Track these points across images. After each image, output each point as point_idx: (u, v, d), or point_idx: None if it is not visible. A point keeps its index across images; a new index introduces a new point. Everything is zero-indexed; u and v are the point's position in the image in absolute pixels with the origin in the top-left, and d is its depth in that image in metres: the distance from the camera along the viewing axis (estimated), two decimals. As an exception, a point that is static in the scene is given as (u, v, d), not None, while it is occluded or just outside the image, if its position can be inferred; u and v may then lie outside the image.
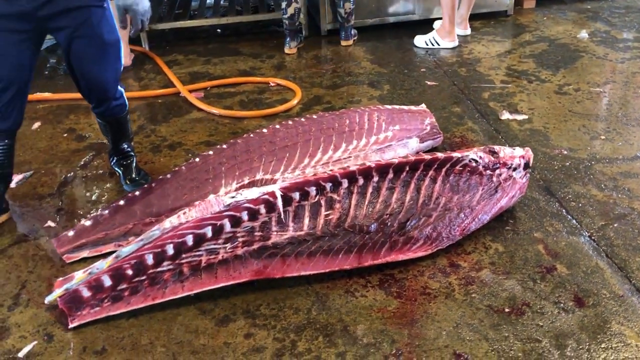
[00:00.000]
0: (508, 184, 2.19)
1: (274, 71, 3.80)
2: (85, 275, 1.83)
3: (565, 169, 2.58)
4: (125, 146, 2.60)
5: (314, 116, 2.68)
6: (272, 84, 3.59)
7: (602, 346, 1.72)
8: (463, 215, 2.11)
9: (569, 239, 2.16)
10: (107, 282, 1.83)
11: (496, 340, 1.75)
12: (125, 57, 3.89)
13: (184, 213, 1.95)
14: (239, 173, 2.37)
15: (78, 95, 3.44)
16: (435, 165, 2.10)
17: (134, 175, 2.56)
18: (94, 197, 2.52)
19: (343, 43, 4.17)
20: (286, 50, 4.07)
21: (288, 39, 4.05)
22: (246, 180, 2.35)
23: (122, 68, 2.39)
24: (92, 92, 2.34)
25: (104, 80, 2.30)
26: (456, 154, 2.15)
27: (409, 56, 3.94)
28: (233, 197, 1.93)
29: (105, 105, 2.39)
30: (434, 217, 2.07)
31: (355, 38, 4.22)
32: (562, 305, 1.87)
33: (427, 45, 4.03)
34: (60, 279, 1.93)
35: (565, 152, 2.71)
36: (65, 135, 3.07)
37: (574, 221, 2.25)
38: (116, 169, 2.61)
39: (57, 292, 1.82)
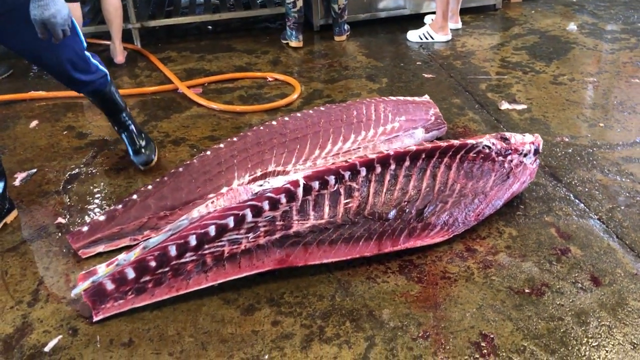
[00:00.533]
0: (519, 169, 2.24)
1: (270, 66, 3.80)
2: (110, 268, 1.82)
3: (569, 155, 2.64)
4: (122, 116, 2.64)
5: (322, 108, 2.70)
6: (270, 79, 3.59)
7: (623, 322, 1.76)
8: (477, 201, 2.14)
9: (579, 221, 2.21)
10: (131, 274, 1.82)
11: (520, 319, 1.79)
12: (119, 55, 3.86)
13: (212, 202, 1.94)
14: (251, 165, 2.37)
15: (75, 93, 3.45)
16: (451, 152, 2.13)
17: (137, 146, 2.64)
18: (102, 193, 2.50)
19: (337, 38, 4.19)
20: (293, 44, 4.07)
21: (295, 32, 4.05)
22: (259, 173, 2.35)
23: (83, 45, 2.31)
24: (54, 75, 2.34)
25: (59, 61, 2.22)
26: (470, 141, 2.19)
27: (403, 50, 3.98)
28: (261, 186, 1.93)
29: (79, 85, 2.39)
30: (450, 203, 2.10)
31: (348, 33, 4.25)
32: (579, 285, 1.91)
33: (421, 39, 4.07)
34: (83, 272, 1.91)
35: (567, 140, 2.77)
36: (65, 132, 3.04)
37: (582, 205, 2.30)
38: (124, 140, 2.69)
39: (83, 285, 1.80)
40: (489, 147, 2.19)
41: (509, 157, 2.22)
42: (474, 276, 1.97)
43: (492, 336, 1.74)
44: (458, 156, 2.14)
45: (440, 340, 1.73)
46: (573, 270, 1.98)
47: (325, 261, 1.97)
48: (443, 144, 2.15)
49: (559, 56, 3.74)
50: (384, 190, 2.04)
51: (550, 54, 3.77)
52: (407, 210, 2.05)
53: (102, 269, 1.83)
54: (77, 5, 3.60)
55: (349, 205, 2.00)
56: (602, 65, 3.59)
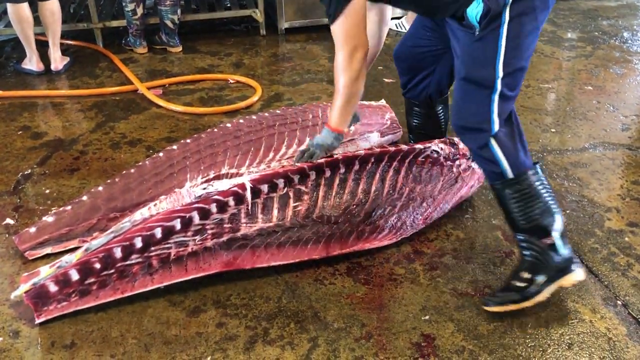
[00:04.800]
0: (467, 174, 2.28)
1: (232, 69, 3.81)
2: (53, 269, 1.80)
3: (519, 160, 2.69)
4: None
5: (277, 111, 2.71)
6: (232, 81, 3.60)
7: (560, 323, 1.81)
8: (426, 205, 2.18)
9: (525, 225, 2.26)
10: (75, 276, 1.81)
11: (461, 320, 1.83)
12: (56, 62, 3.68)
13: (155, 205, 1.94)
14: (204, 167, 2.37)
15: (32, 92, 3.42)
16: (399, 157, 2.16)
17: None
18: (54, 194, 2.47)
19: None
20: (139, 51, 4.04)
21: (138, 40, 4.03)
22: (211, 175, 2.35)
23: None
24: None
25: None
26: (418, 146, 2.22)
27: (366, 54, 4.02)
28: (204, 189, 1.94)
29: None
30: (399, 207, 2.13)
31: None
32: (521, 286, 1.96)
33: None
34: (26, 274, 1.89)
35: (519, 145, 2.83)
36: (19, 133, 3.00)
37: (529, 209, 2.35)
38: None
39: (24, 288, 1.78)
40: (437, 152, 2.22)
41: (457, 162, 2.26)
42: (419, 278, 2.00)
43: (433, 337, 1.77)
44: (407, 160, 2.17)
45: (382, 341, 1.76)
46: (516, 273, 2.02)
47: (272, 264, 1.98)
48: (392, 148, 2.18)
49: (516, 63, 3.81)
50: (333, 194, 2.06)
51: (508, 61, 3.84)
52: (356, 213, 2.07)
53: (45, 270, 1.82)
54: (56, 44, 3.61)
55: (298, 208, 2.01)
56: (558, 73, 3.67)
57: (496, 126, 1.76)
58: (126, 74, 3.64)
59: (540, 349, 1.73)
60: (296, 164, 2.07)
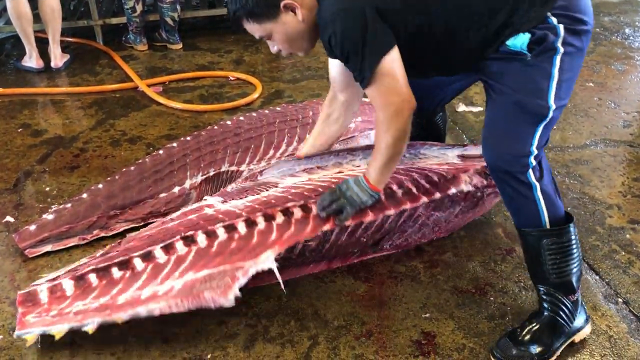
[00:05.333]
0: (491, 197, 2.16)
1: (232, 66, 3.80)
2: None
3: (520, 157, 2.68)
4: None
5: (278, 108, 2.70)
6: (232, 78, 3.59)
7: (561, 321, 1.81)
8: (437, 228, 2.11)
9: (526, 222, 2.25)
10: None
11: (462, 318, 1.82)
12: (56, 59, 3.68)
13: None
14: (204, 165, 2.36)
15: (32, 90, 3.42)
16: (433, 204, 2.02)
17: None
18: (54, 192, 2.47)
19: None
20: (139, 48, 4.05)
21: (138, 37, 4.04)
22: (211, 172, 2.35)
23: None
24: None
25: None
26: (452, 190, 2.03)
27: (367, 51, 4.00)
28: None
29: None
30: (409, 232, 2.06)
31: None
32: (522, 284, 1.95)
33: None
34: (21, 292, 1.79)
35: (520, 142, 2.82)
36: (19, 130, 2.99)
37: (530, 206, 2.34)
38: None
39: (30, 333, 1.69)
40: (469, 191, 2.07)
41: (485, 190, 2.12)
42: (420, 275, 2.00)
43: (433, 334, 1.77)
44: (437, 200, 2.01)
45: (383, 338, 1.75)
46: (516, 270, 2.02)
47: (270, 282, 1.90)
48: (421, 201, 1.99)
49: (517, 59, 3.80)
50: (346, 234, 1.94)
51: (509, 57, 3.83)
52: (364, 240, 1.99)
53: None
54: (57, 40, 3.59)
55: (309, 243, 1.89)
56: (559, 69, 3.65)
57: (533, 160, 1.59)
58: (126, 71, 3.63)
59: (541, 347, 1.72)
60: (321, 213, 1.83)
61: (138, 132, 2.96)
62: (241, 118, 2.59)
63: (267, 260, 1.76)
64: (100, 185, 2.28)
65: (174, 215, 2.01)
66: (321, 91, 3.41)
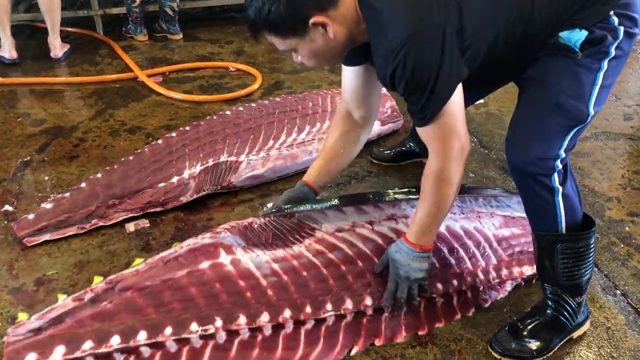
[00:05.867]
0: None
1: (233, 56, 3.79)
2: None
3: (520, 149, 2.68)
4: None
5: (277, 99, 2.70)
6: (232, 69, 3.58)
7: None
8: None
9: (525, 214, 2.25)
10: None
11: (459, 309, 1.82)
12: (56, 49, 3.67)
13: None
14: (203, 155, 2.36)
15: (31, 79, 3.41)
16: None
17: None
18: (53, 181, 2.47)
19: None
20: (139, 38, 4.05)
21: (139, 27, 4.05)
22: (210, 162, 2.35)
23: None
24: None
25: None
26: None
27: (368, 43, 3.99)
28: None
29: None
30: None
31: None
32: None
33: None
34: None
35: (520, 134, 2.81)
36: (19, 120, 2.99)
37: (530, 198, 2.34)
38: None
39: None
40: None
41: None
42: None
43: (431, 325, 1.77)
44: None
45: (380, 329, 1.75)
46: (515, 262, 2.01)
47: None
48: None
49: (519, 52, 3.78)
50: None
51: (510, 50, 3.82)
52: None
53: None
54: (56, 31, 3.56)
55: None
56: (560, 62, 3.64)
57: (559, 163, 1.49)
58: (126, 62, 3.62)
59: (539, 338, 1.72)
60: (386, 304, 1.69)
61: (137, 122, 2.95)
62: (240, 108, 2.59)
63: None
64: (99, 175, 2.27)
65: (180, 250, 1.74)
66: (321, 82, 3.40)
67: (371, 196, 1.89)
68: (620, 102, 3.13)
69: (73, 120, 2.98)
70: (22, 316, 1.66)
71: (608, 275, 1.96)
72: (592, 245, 1.60)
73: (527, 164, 1.49)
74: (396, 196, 1.89)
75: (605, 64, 1.45)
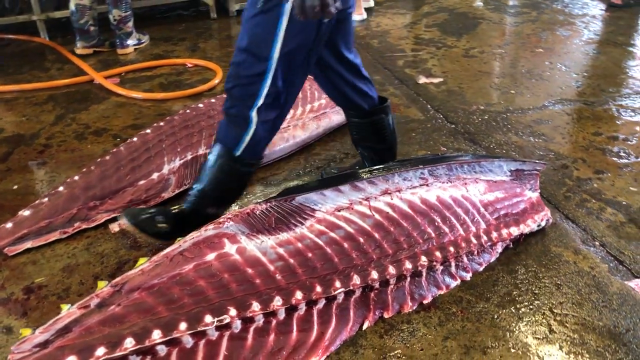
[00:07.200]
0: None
1: (188, 53, 3.75)
2: None
3: (485, 121, 2.79)
4: None
5: (247, 89, 2.68)
6: (190, 65, 3.54)
7: (546, 267, 1.90)
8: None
9: (500, 180, 2.35)
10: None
11: (455, 273, 1.89)
12: None
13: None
14: (181, 149, 2.33)
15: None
16: None
17: None
18: (22, 190, 2.38)
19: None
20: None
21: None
22: (189, 156, 2.33)
23: None
24: None
25: None
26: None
27: (321, 32, 4.03)
28: None
29: None
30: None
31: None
32: (506, 237, 2.04)
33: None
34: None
35: (482, 107, 2.92)
36: (-26, 131, 2.86)
37: (502, 165, 2.44)
38: None
39: None
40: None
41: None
42: (409, 238, 2.05)
43: (431, 291, 1.82)
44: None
45: (384, 299, 1.79)
46: (499, 225, 2.10)
47: None
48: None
49: (468, 31, 3.92)
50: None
51: (460, 30, 3.95)
52: None
53: None
54: None
55: None
56: (508, 38, 3.80)
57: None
58: (80, 65, 3.52)
59: (532, 293, 1.81)
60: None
61: (102, 124, 2.88)
62: (212, 100, 2.57)
63: None
64: (76, 177, 2.21)
65: (184, 245, 1.71)
66: (282, 72, 3.40)
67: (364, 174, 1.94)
68: (570, 70, 3.29)
69: (33, 127, 2.88)
70: (25, 331, 1.59)
71: (585, 229, 2.07)
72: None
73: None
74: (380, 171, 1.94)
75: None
